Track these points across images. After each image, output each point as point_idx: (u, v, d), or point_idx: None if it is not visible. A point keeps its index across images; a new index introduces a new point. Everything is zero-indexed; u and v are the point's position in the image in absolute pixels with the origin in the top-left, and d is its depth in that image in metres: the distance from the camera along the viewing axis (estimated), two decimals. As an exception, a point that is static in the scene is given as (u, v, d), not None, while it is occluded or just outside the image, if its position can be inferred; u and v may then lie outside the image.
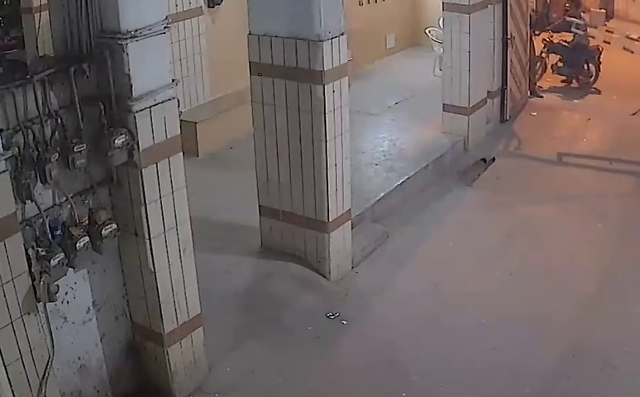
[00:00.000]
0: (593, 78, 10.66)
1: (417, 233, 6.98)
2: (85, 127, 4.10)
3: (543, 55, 10.74)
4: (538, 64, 10.66)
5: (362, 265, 6.43)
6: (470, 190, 7.92)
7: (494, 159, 8.51)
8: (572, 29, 10.57)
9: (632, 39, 10.38)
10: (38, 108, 3.90)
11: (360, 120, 8.57)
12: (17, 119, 3.82)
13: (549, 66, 10.87)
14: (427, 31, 10.80)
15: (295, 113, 5.81)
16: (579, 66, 10.69)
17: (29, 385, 3.88)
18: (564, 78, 10.89)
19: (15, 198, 3.76)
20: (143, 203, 4.32)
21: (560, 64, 10.83)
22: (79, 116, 4.07)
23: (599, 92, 10.54)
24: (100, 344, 4.61)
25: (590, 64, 10.65)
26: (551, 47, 10.74)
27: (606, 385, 5.01)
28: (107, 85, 4.13)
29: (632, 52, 10.10)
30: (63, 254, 3.98)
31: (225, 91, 8.77)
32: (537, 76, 10.63)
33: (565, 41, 10.83)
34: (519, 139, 9.18)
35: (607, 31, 10.78)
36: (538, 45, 10.64)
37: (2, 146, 3.62)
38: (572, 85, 10.80)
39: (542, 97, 10.38)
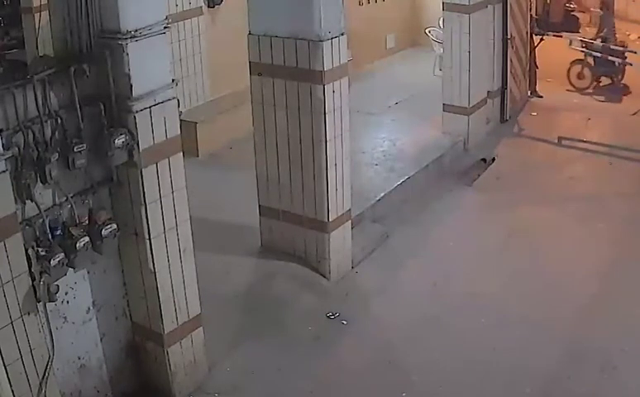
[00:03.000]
0: (622, 74, 10.52)
1: (417, 233, 6.97)
2: (85, 127, 4.10)
3: (588, 59, 10.48)
4: (582, 67, 10.50)
5: (362, 265, 6.42)
6: (470, 190, 7.91)
7: (494, 159, 8.50)
8: (571, 46, 10.42)
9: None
10: (38, 108, 3.90)
11: (360, 120, 8.57)
12: (17, 119, 3.82)
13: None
14: (427, 31, 10.77)
15: (295, 113, 5.81)
16: (611, 64, 10.39)
17: (29, 385, 3.87)
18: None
19: (15, 198, 3.75)
20: (143, 203, 4.33)
21: (592, 65, 10.61)
22: (79, 116, 4.06)
23: (629, 92, 10.37)
24: (100, 344, 4.61)
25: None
26: (590, 49, 10.47)
27: (606, 386, 5.01)
28: (107, 85, 4.13)
29: (632, 65, 10.06)
30: (63, 254, 3.97)
31: (225, 91, 8.76)
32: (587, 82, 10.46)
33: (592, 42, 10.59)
34: (519, 139, 9.18)
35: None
36: (575, 53, 10.41)
37: (2, 146, 3.62)
38: (602, 84, 10.57)
39: (542, 97, 10.36)
